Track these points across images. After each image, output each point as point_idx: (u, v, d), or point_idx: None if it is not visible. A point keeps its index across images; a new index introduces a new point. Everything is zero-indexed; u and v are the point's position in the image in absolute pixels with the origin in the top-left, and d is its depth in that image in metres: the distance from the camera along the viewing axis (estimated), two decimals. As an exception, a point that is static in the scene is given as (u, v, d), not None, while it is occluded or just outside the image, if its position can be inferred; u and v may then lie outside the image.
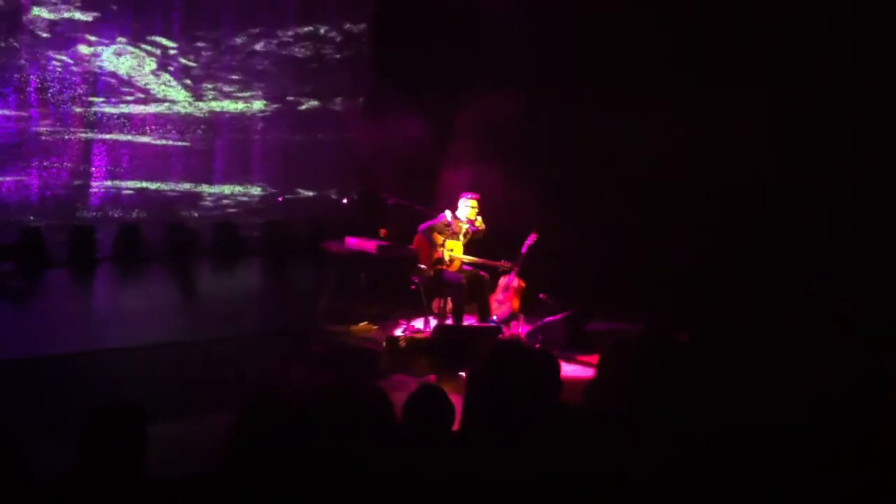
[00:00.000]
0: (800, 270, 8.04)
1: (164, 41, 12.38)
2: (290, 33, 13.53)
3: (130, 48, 12.04)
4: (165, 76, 12.43)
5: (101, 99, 11.88)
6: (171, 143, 12.56)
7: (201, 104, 12.86)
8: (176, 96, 12.57)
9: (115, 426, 2.57)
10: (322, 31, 13.74)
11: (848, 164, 8.13)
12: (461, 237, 8.38)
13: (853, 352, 3.14)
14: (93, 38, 11.70)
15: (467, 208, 8.40)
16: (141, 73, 12.17)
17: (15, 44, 11.14)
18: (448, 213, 8.39)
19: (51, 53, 11.40)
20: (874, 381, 2.48)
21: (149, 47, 12.24)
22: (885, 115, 8.03)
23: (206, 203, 12.98)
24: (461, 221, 8.37)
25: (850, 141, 8.19)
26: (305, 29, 13.63)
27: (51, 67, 11.41)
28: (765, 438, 2.31)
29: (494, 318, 8.36)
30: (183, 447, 3.19)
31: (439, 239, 8.32)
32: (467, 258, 8.41)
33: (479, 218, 8.39)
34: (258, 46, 13.27)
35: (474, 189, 8.58)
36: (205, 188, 12.99)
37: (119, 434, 2.55)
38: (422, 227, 8.39)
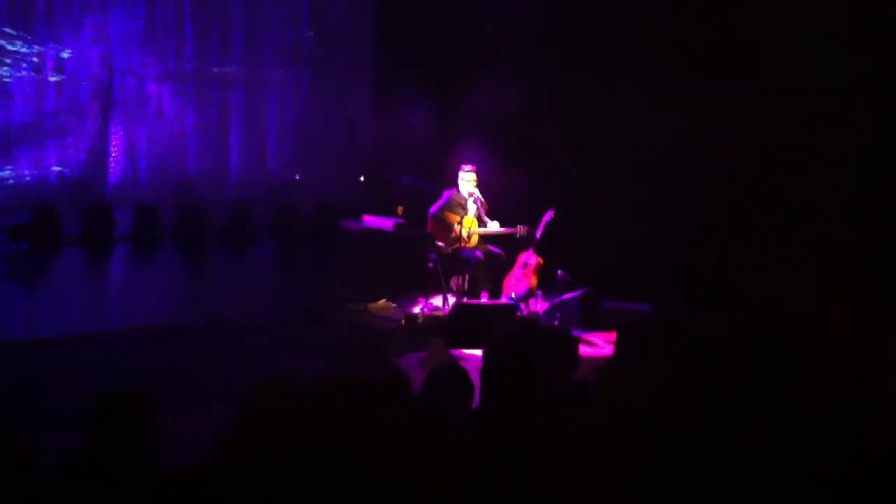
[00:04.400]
0: (808, 261, 7.97)
1: (178, 19, 12.37)
2: (304, 14, 13.52)
3: (145, 25, 12.01)
4: (179, 53, 12.40)
5: (117, 77, 11.85)
6: (187, 121, 12.54)
7: (216, 84, 12.83)
8: (190, 75, 12.55)
9: (124, 412, 2.53)
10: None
11: (850, 160, 8.06)
12: (472, 211, 8.37)
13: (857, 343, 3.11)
14: (108, 16, 11.67)
15: (467, 182, 8.38)
16: (157, 51, 12.15)
17: (30, 23, 11.13)
18: (459, 191, 8.40)
19: (66, 32, 11.38)
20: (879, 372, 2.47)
21: (164, 22, 12.23)
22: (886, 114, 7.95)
23: (222, 183, 12.97)
24: (464, 197, 8.36)
25: (851, 137, 8.11)
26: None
27: (66, 46, 11.40)
28: (772, 431, 2.30)
29: (513, 295, 8.34)
30: (191, 436, 3.17)
31: (454, 218, 8.32)
32: (484, 231, 8.39)
33: (477, 190, 8.40)
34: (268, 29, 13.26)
35: (472, 161, 8.61)
36: (220, 168, 12.99)
37: (128, 421, 2.51)
38: (432, 210, 8.39)
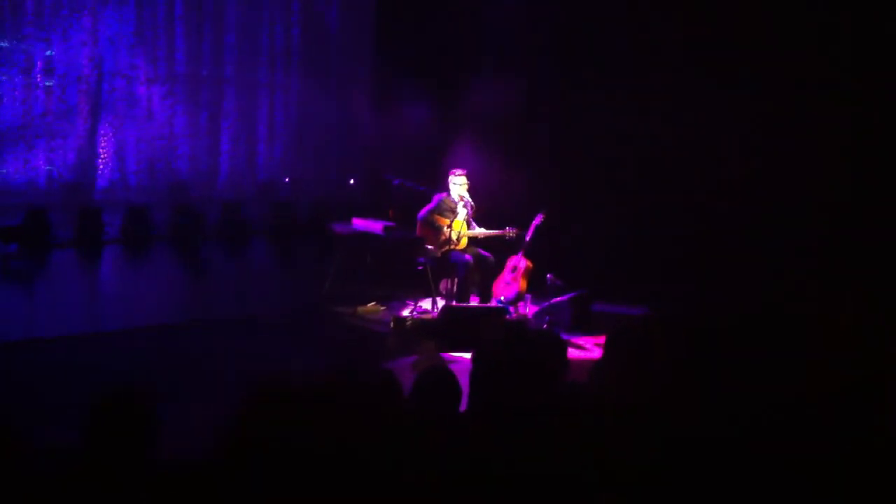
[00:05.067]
0: (806, 258, 8.04)
1: (168, 21, 12.37)
2: (294, 16, 13.55)
3: (135, 27, 12.00)
4: (170, 55, 12.39)
5: (107, 79, 11.83)
6: (176, 123, 12.53)
7: (207, 84, 12.83)
8: (181, 77, 12.53)
9: (125, 409, 2.55)
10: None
11: (850, 161, 8.14)
12: (462, 215, 8.42)
13: (859, 340, 3.15)
14: (98, 18, 11.66)
15: (458, 186, 8.43)
16: (146, 52, 12.13)
17: (19, 24, 11.11)
18: (449, 195, 8.45)
19: (56, 34, 11.36)
20: (880, 369, 2.50)
21: (154, 24, 12.22)
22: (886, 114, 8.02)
23: (213, 184, 12.97)
24: (454, 201, 8.41)
25: (851, 138, 8.19)
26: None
27: (56, 47, 11.38)
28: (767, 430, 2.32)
29: (502, 298, 8.39)
30: (187, 431, 3.19)
31: (444, 221, 8.36)
32: (473, 233, 8.44)
33: (468, 194, 8.45)
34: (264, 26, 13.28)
35: (464, 165, 8.65)
36: (211, 168, 12.98)
37: (127, 420, 2.53)
38: (420, 214, 8.42)
